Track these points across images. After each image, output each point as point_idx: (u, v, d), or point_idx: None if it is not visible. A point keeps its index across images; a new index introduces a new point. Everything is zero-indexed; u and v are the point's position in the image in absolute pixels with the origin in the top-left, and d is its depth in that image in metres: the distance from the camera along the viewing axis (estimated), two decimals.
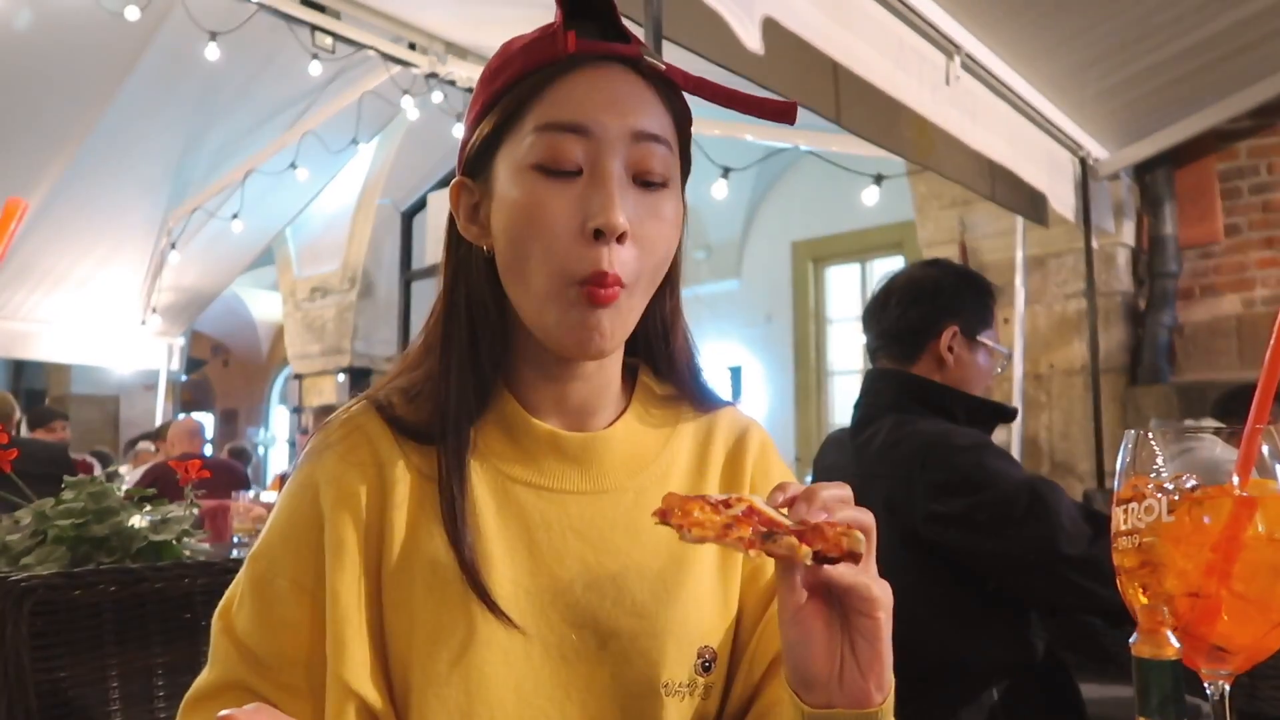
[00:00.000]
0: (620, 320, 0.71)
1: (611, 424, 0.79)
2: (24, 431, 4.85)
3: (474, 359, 0.75)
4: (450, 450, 0.73)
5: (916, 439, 1.55)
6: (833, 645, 0.61)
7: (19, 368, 10.24)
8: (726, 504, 0.59)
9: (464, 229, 0.77)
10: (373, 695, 0.70)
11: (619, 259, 0.69)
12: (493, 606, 0.70)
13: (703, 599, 0.77)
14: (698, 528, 0.58)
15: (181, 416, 6.24)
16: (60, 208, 5.64)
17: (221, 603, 0.75)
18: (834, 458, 1.76)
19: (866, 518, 0.61)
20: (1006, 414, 1.72)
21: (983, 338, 1.69)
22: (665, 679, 0.74)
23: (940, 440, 1.54)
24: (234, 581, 0.76)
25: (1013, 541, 1.43)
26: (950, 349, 1.66)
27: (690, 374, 0.84)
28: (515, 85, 0.72)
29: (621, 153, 0.70)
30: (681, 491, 0.67)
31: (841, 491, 0.62)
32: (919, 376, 1.67)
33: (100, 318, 6.82)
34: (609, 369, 0.79)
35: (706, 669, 0.76)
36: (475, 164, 0.76)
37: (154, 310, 7.01)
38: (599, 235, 0.68)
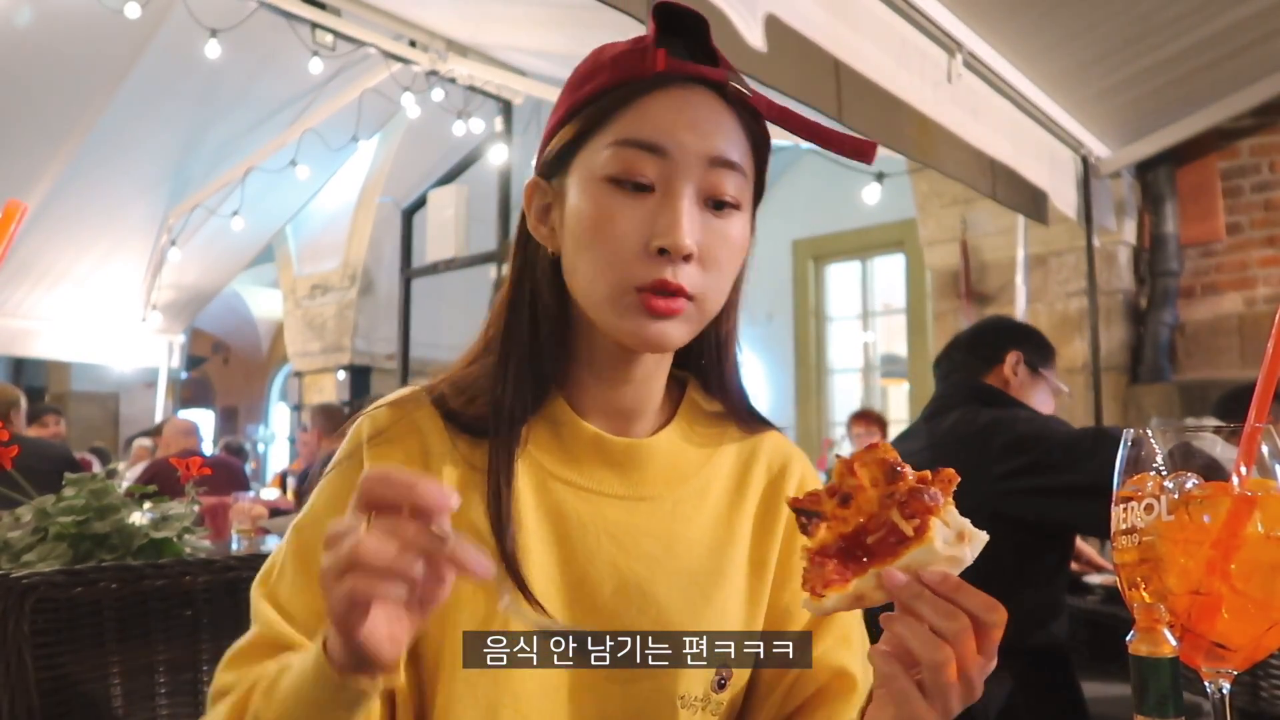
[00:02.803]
0: (688, 327, 0.72)
1: (655, 433, 0.81)
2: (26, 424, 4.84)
3: (534, 357, 0.76)
4: (501, 445, 0.74)
5: (984, 417, 1.74)
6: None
7: (19, 365, 10.25)
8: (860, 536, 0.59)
9: (534, 228, 0.78)
10: (399, 675, 0.69)
11: (683, 274, 0.70)
12: (529, 597, 0.71)
13: (728, 618, 0.78)
14: (831, 588, 0.58)
15: (177, 415, 6.24)
16: (61, 205, 5.64)
17: (260, 572, 0.76)
18: (907, 444, 1.89)
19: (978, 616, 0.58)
20: None
21: (1044, 371, 1.91)
22: (682, 691, 0.75)
23: (1005, 415, 1.73)
24: (273, 552, 0.77)
25: (1086, 471, 1.54)
26: (1015, 372, 1.88)
27: (740, 394, 0.85)
28: (600, 96, 0.73)
29: (696, 175, 0.71)
30: (720, 508, 0.75)
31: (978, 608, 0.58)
32: (989, 385, 1.87)
33: (100, 315, 6.82)
34: (658, 376, 0.80)
35: (721, 687, 0.77)
36: (551, 167, 0.77)
37: (154, 308, 7.01)
38: (663, 253, 0.69)
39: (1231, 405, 2.67)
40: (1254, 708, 1.23)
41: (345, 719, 0.59)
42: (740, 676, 0.79)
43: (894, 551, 0.57)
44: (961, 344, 1.97)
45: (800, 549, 0.60)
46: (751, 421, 0.85)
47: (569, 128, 0.75)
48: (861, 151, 0.73)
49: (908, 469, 0.60)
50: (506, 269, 0.81)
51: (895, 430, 6.11)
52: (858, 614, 0.85)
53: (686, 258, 0.69)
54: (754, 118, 0.75)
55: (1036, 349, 1.93)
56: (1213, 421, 2.63)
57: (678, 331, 0.72)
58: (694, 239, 0.70)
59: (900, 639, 0.57)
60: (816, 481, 0.89)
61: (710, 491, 0.81)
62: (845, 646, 0.82)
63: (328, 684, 0.57)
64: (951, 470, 0.60)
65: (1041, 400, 1.88)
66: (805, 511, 0.61)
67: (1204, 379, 4.29)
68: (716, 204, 0.72)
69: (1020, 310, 4.48)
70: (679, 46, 0.73)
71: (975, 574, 0.58)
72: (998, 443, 1.65)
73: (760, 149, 0.76)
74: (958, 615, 0.56)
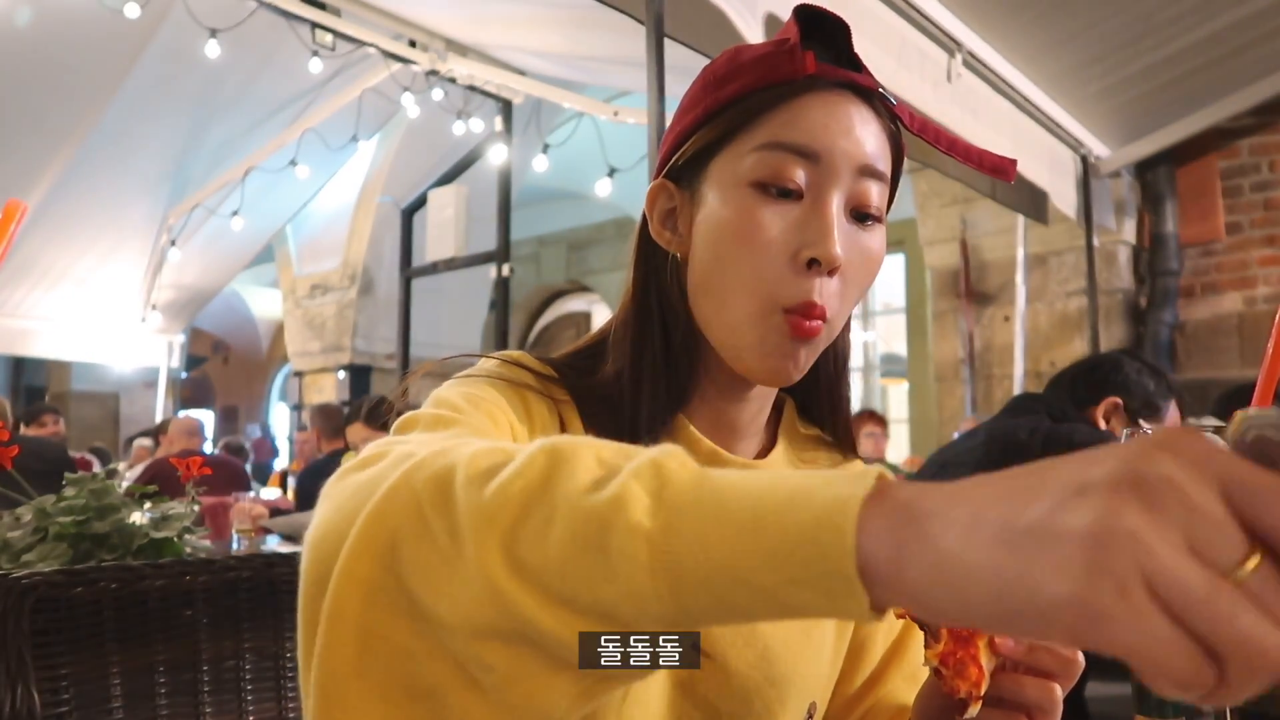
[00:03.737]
0: (814, 352, 0.69)
1: (759, 453, 0.78)
2: (24, 425, 4.85)
3: (669, 368, 0.72)
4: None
5: (1040, 429, 1.64)
6: None
7: (19, 364, 10.25)
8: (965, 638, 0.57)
9: (656, 233, 0.74)
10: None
11: (827, 291, 0.67)
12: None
13: (823, 653, 0.76)
14: (973, 687, 0.56)
15: (181, 414, 6.24)
16: (61, 205, 5.64)
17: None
18: (962, 442, 1.85)
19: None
20: None
21: (1144, 423, 1.74)
22: None
23: (1063, 429, 1.64)
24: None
25: None
26: (1107, 419, 1.73)
27: (846, 420, 0.82)
28: (745, 98, 0.69)
29: (846, 184, 0.67)
30: None
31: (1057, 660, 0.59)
32: (1064, 411, 1.75)
33: (100, 315, 6.83)
34: (771, 393, 0.77)
35: None
36: (682, 170, 0.72)
37: (154, 307, 7.02)
38: (812, 265, 0.66)
39: (1230, 405, 2.67)
40: (1254, 709, 1.23)
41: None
42: (822, 712, 0.78)
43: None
44: (1065, 377, 1.83)
45: (929, 659, 0.57)
46: (850, 450, 0.82)
47: (708, 129, 0.70)
48: (1002, 169, 0.71)
49: None
50: (628, 279, 0.76)
51: (896, 430, 6.11)
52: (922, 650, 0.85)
53: (832, 271, 0.66)
54: (896, 128, 0.72)
55: (1146, 396, 1.76)
56: (1212, 421, 2.63)
57: (808, 359, 0.69)
58: (842, 249, 0.66)
59: (1018, 693, 0.58)
60: None
61: None
62: (912, 684, 0.82)
63: (828, 578, 0.34)
64: None
65: None
66: (924, 622, 0.57)
67: (1204, 378, 4.29)
68: (862, 216, 0.69)
69: (1020, 310, 4.49)
70: (822, 50, 0.70)
71: None
72: (1045, 452, 1.62)
73: (899, 162, 0.73)
74: (1071, 660, 0.59)
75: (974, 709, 0.55)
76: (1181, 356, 4.50)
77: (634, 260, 0.76)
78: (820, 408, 0.80)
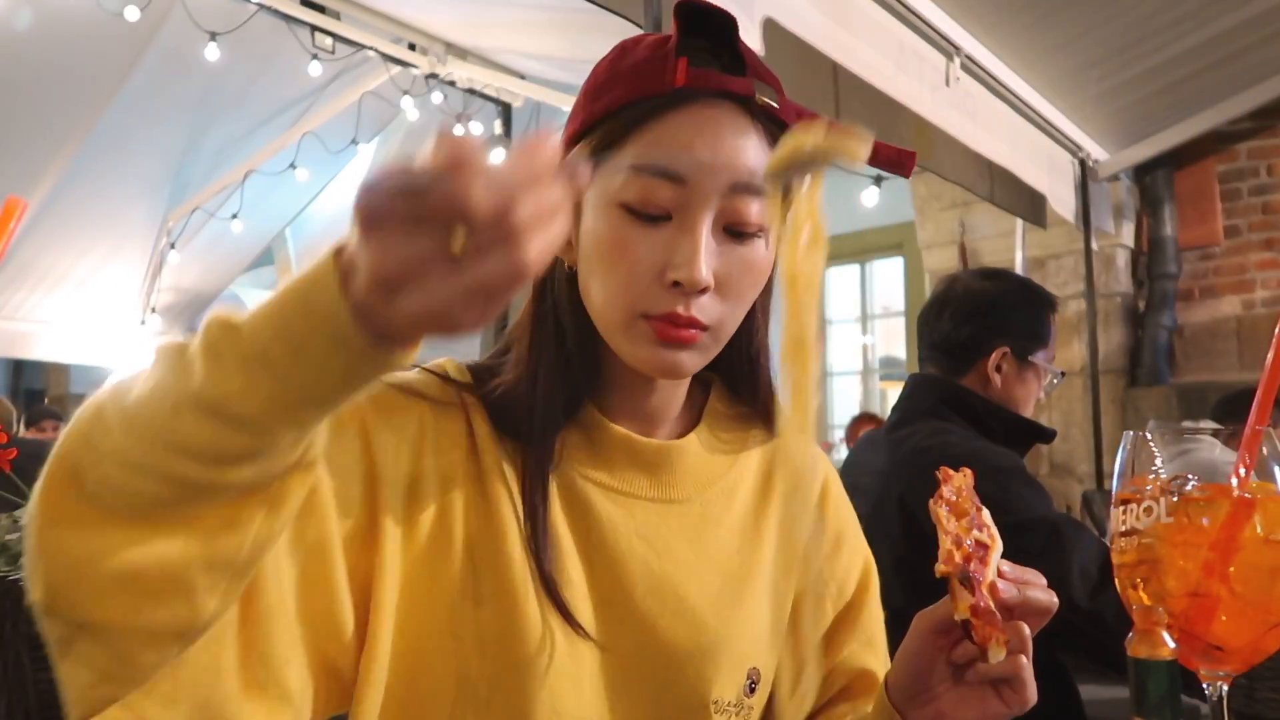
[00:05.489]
0: (704, 354, 0.70)
1: (681, 435, 0.80)
2: (20, 433, 4.84)
3: (565, 371, 0.73)
4: (535, 458, 0.72)
5: (947, 452, 1.51)
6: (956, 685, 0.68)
7: (18, 367, 10.23)
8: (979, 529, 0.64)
9: None
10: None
11: (698, 305, 0.67)
12: (568, 619, 0.69)
13: (758, 619, 0.77)
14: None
15: None
16: (60, 208, 5.63)
17: None
18: (866, 455, 1.76)
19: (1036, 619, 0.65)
20: (1044, 435, 1.70)
21: (1035, 358, 1.68)
22: (715, 696, 0.73)
23: (968, 459, 1.50)
24: None
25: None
26: (999, 368, 1.66)
27: (770, 398, 0.83)
28: (615, 114, 0.69)
29: (715, 203, 0.67)
30: (747, 510, 0.77)
31: (1046, 598, 0.65)
32: (962, 387, 1.66)
33: (100, 318, 6.82)
34: (683, 381, 0.79)
35: (752, 690, 0.76)
36: None
37: (154, 310, 7.01)
38: (678, 285, 0.66)
39: (1229, 409, 2.67)
40: (1250, 710, 1.23)
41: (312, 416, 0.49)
42: (767, 679, 0.78)
43: (985, 561, 0.61)
44: (940, 332, 1.72)
45: (961, 611, 0.62)
46: (773, 424, 0.84)
47: (585, 144, 0.71)
48: (899, 163, 0.69)
49: (957, 486, 0.64)
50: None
51: None
52: (879, 615, 0.87)
53: (702, 291, 0.67)
54: (783, 131, 0.70)
55: (1029, 328, 1.69)
56: (1210, 425, 2.63)
57: (690, 360, 0.69)
58: (711, 271, 0.67)
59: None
60: (838, 483, 0.90)
61: (737, 493, 0.80)
62: (870, 649, 0.84)
63: (343, 346, 0.45)
64: (968, 471, 0.66)
65: (1029, 392, 1.68)
66: (963, 577, 0.61)
67: (1202, 382, 4.29)
68: (737, 233, 0.68)
69: None
70: (702, 52, 0.69)
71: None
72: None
73: None
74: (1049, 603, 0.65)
75: (999, 651, 0.60)
76: (1180, 360, 4.50)
77: None
78: (742, 387, 0.82)
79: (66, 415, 5.91)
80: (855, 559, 0.88)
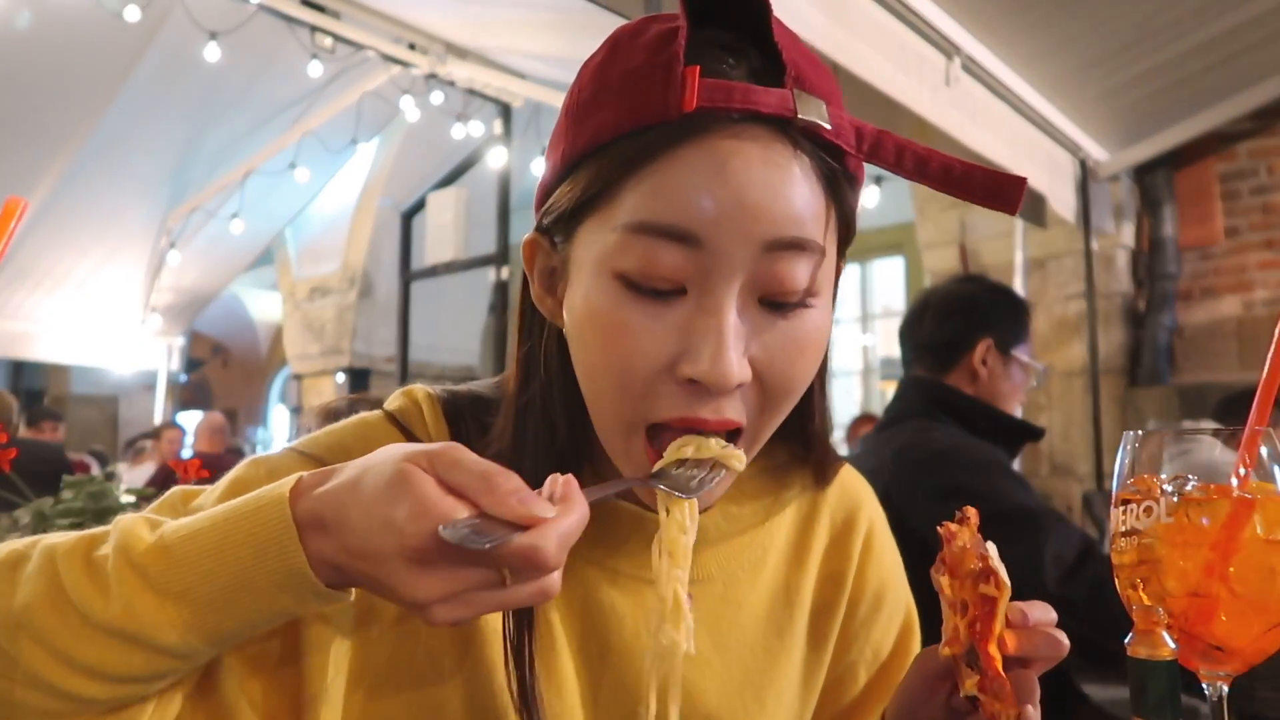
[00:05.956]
0: (736, 469, 0.56)
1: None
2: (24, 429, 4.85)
3: (554, 443, 0.60)
4: None
5: (930, 446, 1.56)
6: None
7: (18, 368, 10.23)
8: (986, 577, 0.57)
9: (538, 298, 0.60)
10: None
11: (729, 406, 0.52)
12: None
13: (784, 713, 0.68)
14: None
15: (205, 413, 6.19)
16: (60, 208, 5.64)
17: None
18: (861, 457, 1.78)
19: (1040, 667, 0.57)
20: (1033, 433, 1.74)
21: (1017, 353, 1.71)
22: None
23: (950, 451, 1.56)
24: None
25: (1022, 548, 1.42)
26: (984, 362, 1.68)
27: (824, 451, 0.69)
28: (605, 149, 0.51)
29: (746, 268, 0.50)
30: (777, 581, 0.67)
31: (1052, 646, 0.56)
32: (948, 385, 1.69)
33: (100, 318, 6.82)
34: None
35: None
36: (554, 225, 0.57)
37: (153, 310, 7.01)
38: (696, 382, 0.51)
39: (1230, 409, 2.67)
40: (1251, 710, 1.23)
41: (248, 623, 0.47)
42: None
43: (993, 616, 0.55)
44: (924, 333, 1.73)
45: (968, 689, 0.57)
46: (823, 478, 0.71)
47: (573, 182, 0.54)
48: (1004, 195, 0.52)
49: (961, 544, 0.58)
50: (512, 340, 0.64)
51: None
52: None
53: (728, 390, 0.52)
54: (839, 163, 0.53)
55: (1009, 323, 1.70)
56: (1210, 425, 2.63)
57: (720, 485, 0.54)
58: (744, 361, 0.51)
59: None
60: (886, 529, 0.78)
61: (766, 563, 0.69)
62: None
63: (293, 582, 0.45)
64: (972, 516, 0.59)
65: (1015, 386, 1.70)
66: (970, 659, 0.56)
67: (1202, 382, 4.29)
68: (780, 305, 0.52)
69: None
70: (722, 52, 0.51)
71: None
72: (932, 484, 1.51)
73: (845, 197, 0.55)
74: (1058, 642, 0.56)
75: None
76: (1180, 360, 4.50)
77: (517, 321, 0.63)
78: (786, 430, 0.66)
79: (66, 415, 5.91)
80: (896, 613, 0.77)
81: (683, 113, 0.48)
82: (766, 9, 0.51)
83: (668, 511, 0.54)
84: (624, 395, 0.53)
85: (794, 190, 0.50)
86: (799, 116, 0.50)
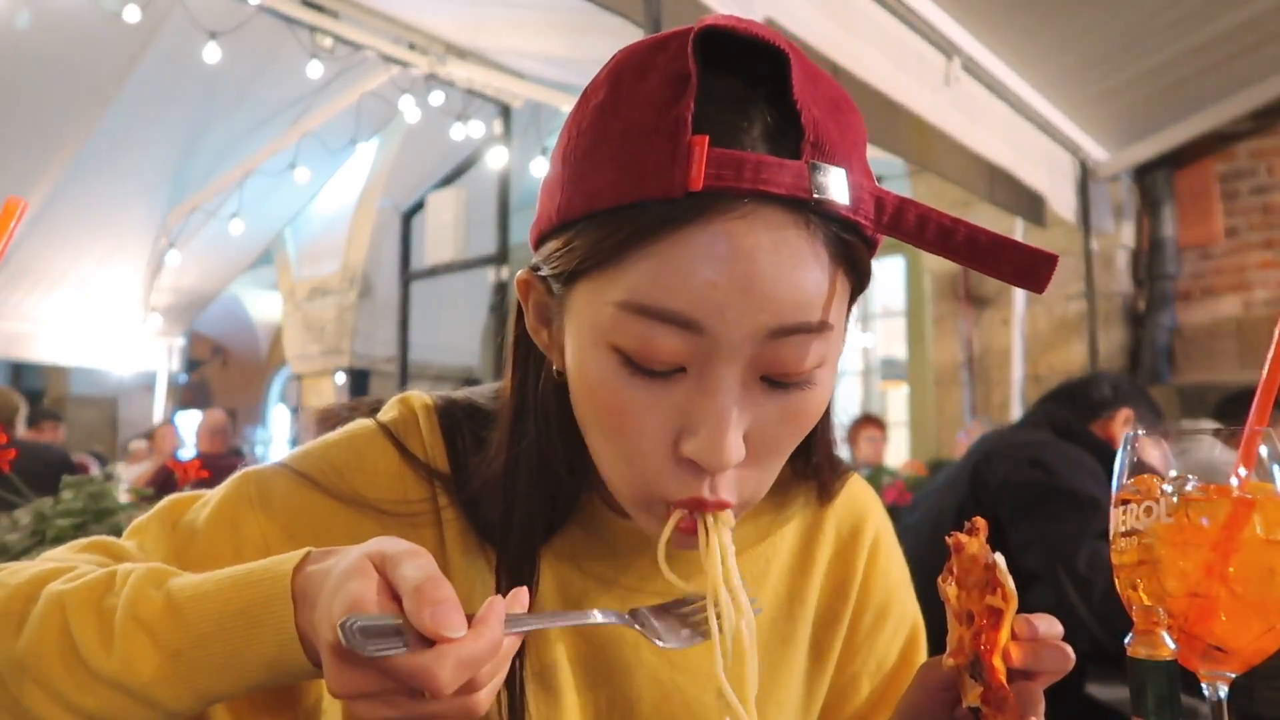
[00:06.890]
0: (730, 531, 0.57)
1: None
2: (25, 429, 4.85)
3: (547, 466, 0.60)
4: (511, 559, 0.60)
5: (1016, 438, 1.79)
6: None
7: (18, 369, 10.24)
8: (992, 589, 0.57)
9: (533, 329, 0.59)
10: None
11: (726, 483, 0.53)
12: None
13: None
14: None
15: (205, 412, 6.19)
16: (60, 208, 5.64)
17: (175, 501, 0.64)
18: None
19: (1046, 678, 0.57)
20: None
21: (1144, 431, 1.83)
22: None
23: (1030, 446, 1.74)
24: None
25: (1033, 531, 1.58)
26: (1123, 426, 1.84)
27: (830, 467, 0.68)
28: (603, 217, 0.49)
29: (749, 352, 0.49)
30: (779, 594, 0.67)
31: (1058, 660, 0.55)
32: (1075, 419, 1.83)
33: (99, 318, 6.82)
34: None
35: None
36: (551, 275, 0.55)
37: (153, 311, 7.01)
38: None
39: (1230, 409, 2.68)
40: (1251, 710, 1.23)
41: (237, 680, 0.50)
42: None
43: (999, 627, 0.55)
44: (1070, 388, 1.92)
45: (971, 700, 0.56)
46: (827, 493, 0.70)
47: (564, 244, 0.52)
48: (1034, 273, 0.48)
49: (970, 554, 0.58)
50: (506, 367, 0.63)
51: (896, 434, 6.11)
52: None
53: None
54: (857, 240, 0.51)
55: (1150, 413, 1.88)
56: (1210, 425, 2.63)
57: (725, 539, 0.55)
58: (747, 426, 0.51)
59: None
60: (892, 540, 0.77)
61: (769, 574, 0.69)
62: None
63: (285, 650, 0.48)
64: (981, 526, 0.59)
65: None
66: (974, 670, 0.56)
67: (1202, 382, 4.29)
68: (781, 384, 0.51)
69: (1018, 313, 4.49)
70: (734, 115, 0.47)
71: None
72: (1012, 459, 1.70)
73: (859, 263, 0.52)
74: (1065, 656, 0.55)
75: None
76: (1179, 360, 4.50)
77: (511, 353, 0.62)
78: (796, 466, 0.67)
79: (66, 416, 5.92)
80: (901, 625, 0.77)
81: (684, 191, 0.46)
82: (787, 64, 0.48)
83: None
84: (634, 472, 0.53)
85: (805, 275, 0.48)
86: (814, 197, 0.47)
